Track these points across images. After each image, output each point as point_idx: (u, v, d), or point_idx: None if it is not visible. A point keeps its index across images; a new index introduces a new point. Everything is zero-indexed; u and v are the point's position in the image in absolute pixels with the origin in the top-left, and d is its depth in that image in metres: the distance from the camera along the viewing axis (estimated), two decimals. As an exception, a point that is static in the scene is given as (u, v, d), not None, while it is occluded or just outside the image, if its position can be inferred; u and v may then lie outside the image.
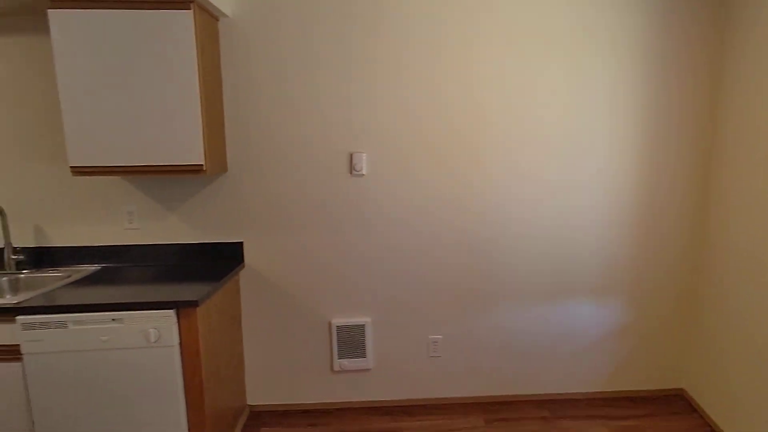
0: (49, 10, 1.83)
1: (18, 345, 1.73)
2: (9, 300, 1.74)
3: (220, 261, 2.33)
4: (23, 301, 1.74)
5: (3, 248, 2.20)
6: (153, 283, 1.97)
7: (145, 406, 1.80)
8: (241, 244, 2.33)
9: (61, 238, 2.27)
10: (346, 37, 2.20)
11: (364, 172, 2.29)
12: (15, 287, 2.12)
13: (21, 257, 2.19)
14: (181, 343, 1.80)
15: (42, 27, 2.13)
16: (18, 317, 1.71)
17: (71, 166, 1.93)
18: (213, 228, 2.31)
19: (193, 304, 1.76)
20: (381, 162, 2.30)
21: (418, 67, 2.23)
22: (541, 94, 2.28)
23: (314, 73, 2.22)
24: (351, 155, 2.28)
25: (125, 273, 2.15)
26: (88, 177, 2.24)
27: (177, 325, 1.78)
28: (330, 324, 2.42)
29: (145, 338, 1.75)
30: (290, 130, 2.26)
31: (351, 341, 2.42)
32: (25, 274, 2.14)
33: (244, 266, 2.34)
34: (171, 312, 1.75)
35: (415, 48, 2.22)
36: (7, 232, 2.16)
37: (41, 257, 2.27)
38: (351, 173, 2.30)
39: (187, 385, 1.82)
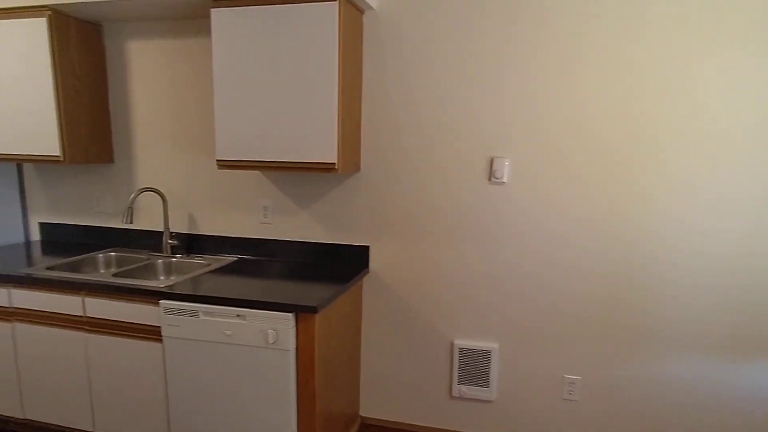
0: (212, 9, 1.92)
1: (159, 327, 1.87)
2: (155, 284, 1.89)
3: (345, 263, 2.28)
4: (166, 286, 1.87)
5: (163, 232, 2.45)
6: (281, 280, 1.98)
7: (259, 404, 1.80)
8: (367, 248, 2.24)
9: (208, 226, 2.44)
10: (501, 32, 1.94)
11: (504, 179, 2.01)
12: (168, 270, 2.33)
13: (175, 242, 2.40)
14: (297, 348, 1.76)
15: (199, 30, 2.29)
16: (161, 301, 1.84)
17: (218, 160, 2.02)
18: (341, 229, 2.26)
19: (312, 310, 1.70)
20: (525, 170, 2.00)
21: (586, 67, 1.87)
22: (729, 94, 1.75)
23: (462, 69, 2.01)
24: (491, 160, 2.02)
25: (257, 267, 2.22)
26: (233, 171, 2.37)
27: (295, 329, 1.74)
28: (452, 345, 2.21)
29: (264, 338, 1.75)
30: (427, 131, 2.09)
31: (474, 367, 2.17)
32: (176, 258, 2.34)
33: (368, 272, 2.26)
34: (290, 315, 1.72)
35: (579, 45, 1.87)
36: (167, 218, 2.39)
37: (192, 243, 2.48)
38: (490, 180, 2.04)
39: (300, 390, 1.78)
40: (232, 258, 2.35)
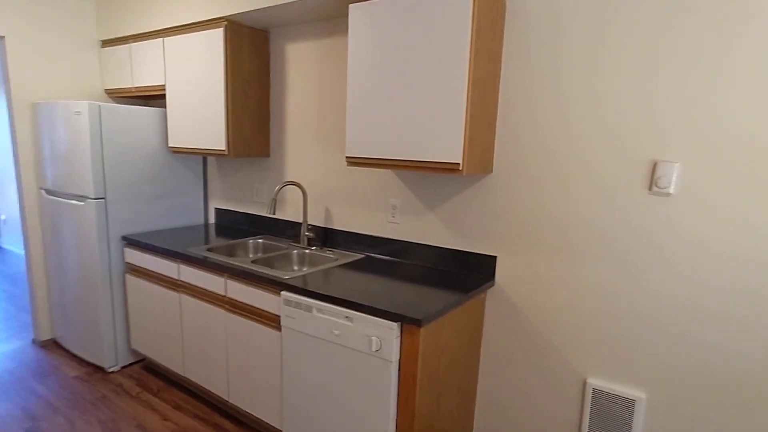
0: (350, 5, 1.92)
1: (280, 316, 1.96)
2: (279, 274, 1.98)
3: (469, 273, 2.08)
4: (287, 278, 1.94)
5: (302, 224, 2.59)
6: (399, 282, 1.90)
7: (360, 408, 1.75)
8: (494, 258, 2.00)
9: (341, 221, 2.50)
10: (664, 17, 1.50)
11: (671, 190, 1.55)
12: (301, 261, 2.46)
13: (312, 235, 2.51)
14: (400, 360, 1.65)
15: (345, 29, 2.32)
16: (282, 292, 1.92)
17: (347, 156, 2.02)
18: (468, 235, 2.06)
19: (416, 322, 1.57)
20: (701, 179, 1.51)
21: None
22: None
23: (631, 54, 1.62)
24: (654, 165, 1.58)
25: (380, 267, 2.17)
26: (365, 168, 2.36)
27: (399, 339, 1.64)
28: (585, 383, 1.82)
29: (368, 344, 1.68)
30: (574, 129, 1.75)
31: (611, 416, 1.76)
32: (310, 250, 2.45)
33: (493, 284, 2.02)
34: (394, 325, 1.62)
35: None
36: (306, 211, 2.51)
37: (327, 237, 2.57)
38: (650, 190, 1.60)
39: (400, 404, 1.67)
40: (358, 255, 2.36)
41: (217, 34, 2.46)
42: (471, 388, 2.08)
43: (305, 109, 2.57)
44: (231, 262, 2.15)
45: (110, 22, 3.06)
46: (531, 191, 1.87)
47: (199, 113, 2.61)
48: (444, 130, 1.73)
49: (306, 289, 1.83)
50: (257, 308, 2.05)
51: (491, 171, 1.96)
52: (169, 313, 2.49)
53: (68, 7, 3.04)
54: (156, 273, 2.51)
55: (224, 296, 2.18)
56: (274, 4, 2.18)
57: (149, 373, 2.76)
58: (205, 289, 2.26)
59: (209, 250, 2.41)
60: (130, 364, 2.84)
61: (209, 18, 2.47)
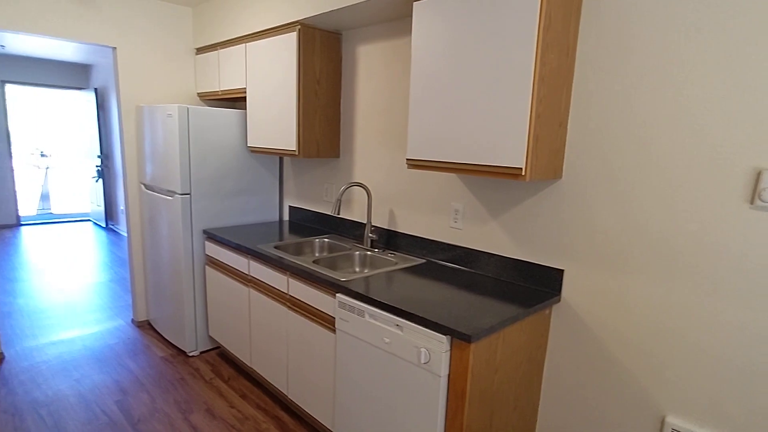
0: (414, 3, 1.87)
1: (335, 318, 1.97)
2: (336, 276, 1.98)
3: (533, 285, 1.93)
4: (343, 281, 1.94)
5: (366, 224, 2.59)
6: (457, 291, 1.81)
7: (408, 421, 1.70)
8: (561, 272, 1.83)
9: (404, 224, 2.45)
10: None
11: (781, 205, 1.30)
12: (363, 262, 2.45)
13: (375, 237, 2.50)
14: (449, 375, 1.57)
15: (406, 30, 2.26)
16: (337, 295, 1.93)
17: (407, 159, 1.97)
18: (533, 245, 1.91)
19: (466, 338, 1.48)
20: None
21: None
22: None
23: (726, 42, 1.39)
24: (759, 174, 1.33)
25: (439, 273, 2.10)
26: (428, 171, 2.29)
27: (449, 354, 1.56)
28: (663, 422, 1.59)
29: (417, 356, 1.62)
30: (658, 131, 1.54)
31: (703, 466, 1.52)
32: (372, 252, 2.44)
33: (559, 300, 1.85)
34: (444, 338, 1.54)
35: None
36: (370, 212, 2.50)
37: (390, 239, 2.54)
38: (752, 203, 1.35)
39: (447, 421, 1.59)
40: (419, 260, 2.30)
41: (291, 38, 2.53)
42: (531, 409, 1.93)
43: (373, 111, 2.56)
44: (293, 260, 2.21)
45: (204, 31, 3.29)
46: (607, 200, 1.68)
47: (274, 115, 2.72)
48: (506, 131, 1.61)
49: (359, 293, 1.82)
50: (315, 308, 2.08)
51: (560, 177, 1.79)
52: (239, 305, 2.63)
53: (169, 20, 3.33)
54: (229, 266, 2.66)
55: (286, 294, 2.25)
56: (340, 6, 2.19)
57: (223, 360, 2.95)
58: (270, 286, 2.35)
59: (277, 247, 2.50)
60: (208, 350, 3.06)
61: (285, 23, 2.55)
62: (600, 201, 1.70)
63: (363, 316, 1.81)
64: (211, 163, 2.93)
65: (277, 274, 2.29)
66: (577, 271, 1.79)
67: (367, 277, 2.01)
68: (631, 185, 1.62)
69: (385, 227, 2.55)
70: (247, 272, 2.52)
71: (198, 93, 3.51)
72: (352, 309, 1.85)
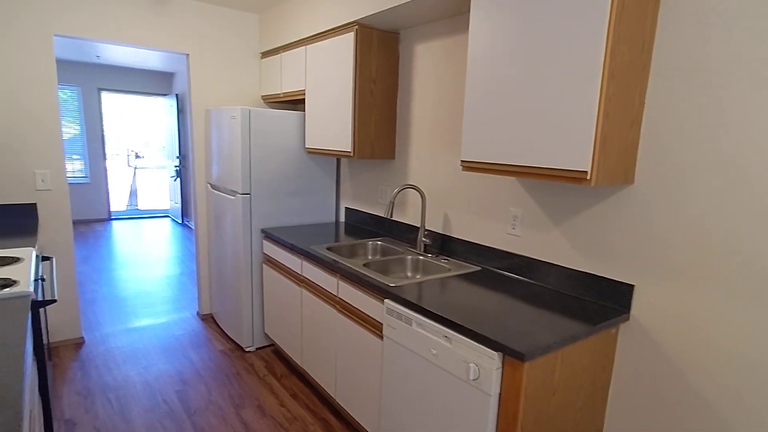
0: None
1: (382, 324, 1.91)
2: (386, 281, 1.92)
3: (598, 300, 1.75)
4: (392, 286, 1.88)
5: (419, 228, 2.50)
6: (513, 302, 1.69)
7: (456, 441, 1.60)
8: (630, 288, 1.64)
9: (459, 229, 2.34)
10: None
11: None
12: (415, 267, 2.37)
13: (428, 241, 2.41)
14: (500, 395, 1.46)
15: (463, 26, 2.15)
16: (385, 300, 1.87)
17: (462, 160, 1.87)
18: (600, 256, 1.74)
19: (519, 356, 1.36)
20: None
21: None
22: None
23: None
24: None
25: (495, 283, 1.97)
26: (485, 174, 2.17)
27: (500, 372, 1.44)
28: (759, 473, 1.37)
29: (465, 371, 1.52)
30: (746, 131, 1.32)
31: None
32: (425, 257, 2.35)
33: (628, 318, 1.66)
34: (495, 354, 1.43)
35: None
36: (423, 216, 2.42)
37: (444, 244, 2.44)
38: None
39: (498, 446, 1.48)
40: (474, 267, 2.18)
41: (348, 38, 2.51)
42: (595, 437, 1.76)
43: (429, 111, 2.48)
44: (344, 262, 2.18)
45: (268, 36, 3.38)
46: (686, 210, 1.48)
47: (331, 115, 2.72)
48: (570, 131, 1.47)
49: (407, 300, 1.74)
50: (363, 312, 2.04)
51: (632, 182, 1.61)
52: (292, 305, 2.65)
53: (238, 27, 3.45)
54: (284, 266, 2.70)
55: (336, 296, 2.23)
56: (396, 4, 2.13)
57: (277, 357, 3.00)
58: (321, 287, 2.34)
59: (329, 248, 2.50)
60: (264, 347, 3.13)
61: (343, 23, 2.54)
62: (678, 210, 1.50)
63: (410, 325, 1.73)
64: (271, 164, 2.99)
65: (328, 275, 2.27)
66: (649, 287, 1.59)
67: (418, 283, 1.93)
68: (714, 195, 1.41)
69: (439, 232, 2.46)
70: (300, 272, 2.53)
71: (262, 96, 3.61)
72: (399, 316, 1.79)
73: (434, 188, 2.48)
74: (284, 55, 3.19)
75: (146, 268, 4.97)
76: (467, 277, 2.05)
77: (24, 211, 2.85)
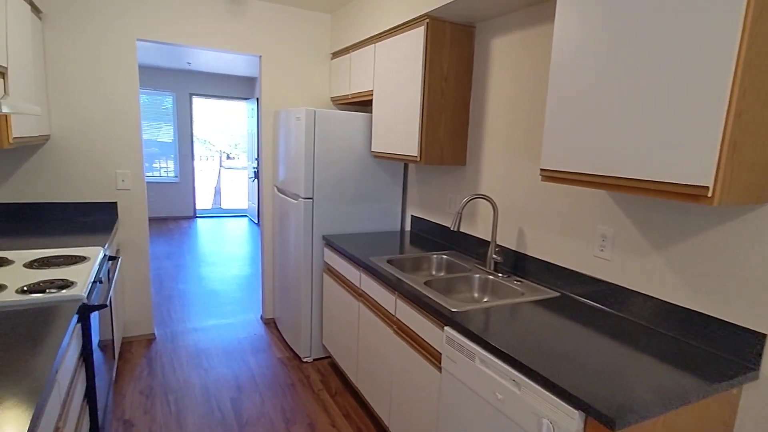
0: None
1: (441, 354, 1.68)
2: (447, 305, 1.68)
3: (707, 348, 1.39)
4: (455, 311, 1.64)
5: (490, 243, 2.24)
6: (599, 340, 1.39)
7: (523, 508, 1.33)
8: (761, 337, 1.27)
9: (535, 247, 2.05)
10: None
11: None
12: (483, 287, 2.11)
13: (499, 258, 2.14)
14: (580, 463, 1.17)
15: (548, 15, 1.85)
16: (445, 328, 1.64)
17: (541, 169, 1.60)
18: (715, 292, 1.38)
19: (609, 422, 1.07)
20: None
21: None
22: None
23: None
24: None
25: (577, 314, 1.66)
26: (569, 186, 1.86)
27: (581, 433, 1.16)
28: None
29: (537, 426, 1.25)
30: None
31: None
32: (494, 277, 2.08)
33: (756, 378, 1.29)
34: (576, 413, 1.15)
35: None
36: (495, 230, 2.15)
37: (517, 263, 2.15)
38: None
39: None
40: (552, 293, 1.87)
41: (418, 33, 2.31)
42: None
43: (504, 113, 2.21)
44: (403, 279, 1.98)
45: (339, 35, 3.28)
46: None
47: (397, 117, 2.53)
48: (685, 134, 1.15)
49: (469, 331, 1.50)
50: (421, 338, 1.82)
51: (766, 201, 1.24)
52: (349, 319, 2.50)
53: (310, 27, 3.39)
54: (343, 276, 2.56)
55: (393, 315, 2.03)
56: (470, -10, 1.89)
57: (333, 371, 2.87)
58: (379, 303, 2.16)
59: (390, 261, 2.31)
60: (321, 358, 3.01)
61: (413, 17, 2.34)
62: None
63: (473, 360, 1.49)
64: (336, 168, 2.87)
65: (386, 292, 2.09)
66: (792, 340, 1.22)
67: (485, 309, 1.68)
68: None
69: (513, 248, 2.18)
70: (358, 285, 2.37)
71: (331, 97, 3.53)
72: (461, 348, 1.55)
73: (508, 199, 2.20)
74: (353, 54, 3.06)
75: (221, 266, 5.13)
76: (543, 303, 1.76)
77: (105, 209, 2.99)
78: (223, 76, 7.88)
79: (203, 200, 8.55)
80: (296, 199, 2.88)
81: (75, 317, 1.45)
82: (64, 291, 1.58)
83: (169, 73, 7.53)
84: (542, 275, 2.00)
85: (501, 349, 1.36)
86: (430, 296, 1.78)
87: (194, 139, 7.89)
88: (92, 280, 1.76)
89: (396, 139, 2.56)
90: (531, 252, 2.07)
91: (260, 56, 3.31)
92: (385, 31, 2.64)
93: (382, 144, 2.72)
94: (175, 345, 3.13)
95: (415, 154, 2.38)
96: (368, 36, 2.82)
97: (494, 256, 2.14)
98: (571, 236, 1.86)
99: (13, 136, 2.02)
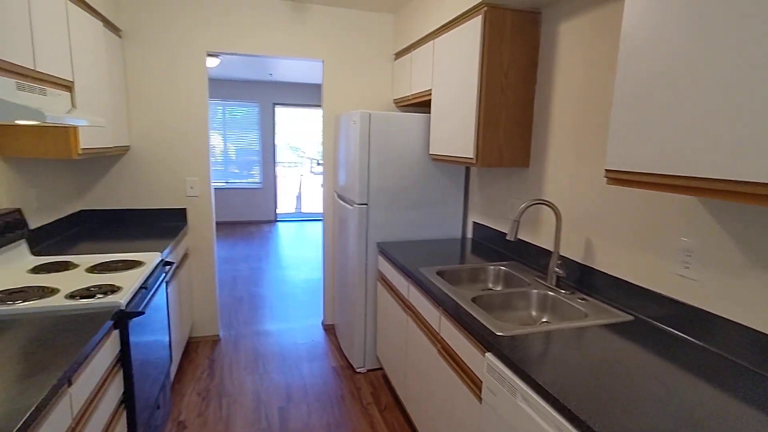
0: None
1: (482, 383, 1.47)
2: (491, 326, 1.47)
3: None
4: (500, 334, 1.43)
5: (552, 254, 1.96)
6: (676, 375, 1.12)
7: None
8: None
9: (604, 261, 1.75)
10: None
11: None
12: (541, 305, 1.85)
13: (562, 272, 1.86)
14: None
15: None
16: (486, 354, 1.43)
17: (607, 170, 1.34)
18: None
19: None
20: None
21: None
22: None
23: None
24: None
25: (652, 342, 1.37)
26: (641, 190, 1.55)
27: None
28: None
29: (584, 487, 1.02)
30: None
31: None
32: (556, 293, 1.81)
33: None
34: (631, 476, 0.91)
35: None
36: (558, 240, 1.88)
37: (583, 277, 1.86)
38: None
39: None
40: (623, 316, 1.57)
41: (475, 24, 2.12)
42: None
43: (572, 109, 1.94)
44: (448, 293, 1.79)
45: (401, 35, 3.17)
46: None
47: (454, 117, 2.35)
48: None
49: (511, 361, 1.29)
50: (463, 362, 1.62)
51: None
52: (399, 332, 2.36)
53: (372, 29, 3.32)
54: (394, 287, 2.42)
55: (438, 333, 1.85)
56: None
57: (386, 384, 2.74)
58: (425, 319, 1.99)
59: (440, 273, 2.13)
60: (375, 369, 2.90)
61: (470, 7, 2.16)
62: None
63: (514, 395, 1.28)
64: (392, 173, 2.75)
65: (431, 306, 1.91)
66: None
67: (537, 333, 1.45)
68: None
69: (579, 261, 1.89)
70: (407, 296, 2.22)
71: (393, 99, 3.42)
72: (501, 379, 1.34)
73: (575, 205, 1.92)
74: (414, 53, 2.92)
75: (292, 269, 5.24)
76: (611, 329, 1.48)
77: (175, 215, 3.14)
78: (303, 84, 8.14)
79: (286, 205, 8.90)
80: (351, 205, 2.80)
81: (108, 324, 1.47)
82: (109, 297, 1.63)
83: (253, 85, 7.94)
84: (612, 293, 1.70)
85: (545, 387, 1.14)
86: (473, 315, 1.58)
87: (278, 146, 8.25)
88: (137, 287, 1.80)
89: (452, 140, 2.38)
90: (599, 266, 1.78)
91: (323, 61, 3.29)
92: (443, 26, 2.48)
93: (439, 146, 2.54)
94: (237, 347, 3.20)
95: (471, 156, 2.18)
96: (428, 32, 2.67)
97: (556, 269, 1.87)
98: (649, 249, 1.56)
99: (82, 147, 2.16)
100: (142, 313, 1.66)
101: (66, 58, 2.02)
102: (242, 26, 3.07)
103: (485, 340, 1.43)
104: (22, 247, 2.10)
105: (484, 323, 1.51)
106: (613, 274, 1.70)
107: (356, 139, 2.67)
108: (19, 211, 2.09)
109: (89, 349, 1.30)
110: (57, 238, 2.55)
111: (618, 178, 1.30)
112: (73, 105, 2.12)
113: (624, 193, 1.66)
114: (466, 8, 2.18)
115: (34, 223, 2.34)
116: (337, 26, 3.26)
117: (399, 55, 3.26)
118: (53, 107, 1.87)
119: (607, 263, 1.73)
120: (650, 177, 1.19)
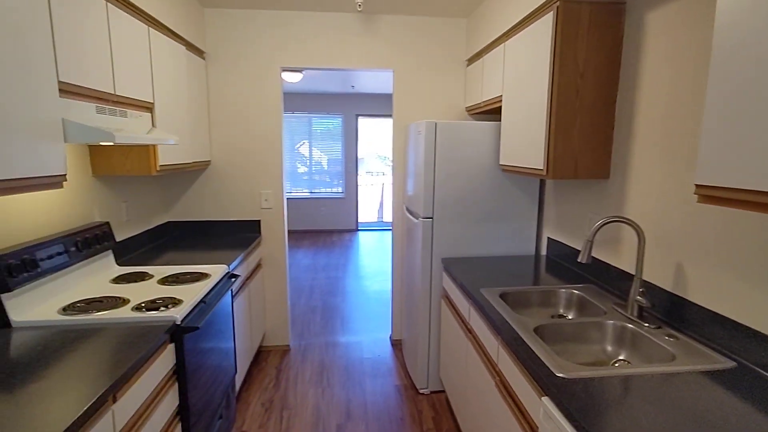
0: None
1: (537, 429, 1.28)
2: (551, 364, 1.28)
3: None
4: (561, 376, 1.24)
5: (634, 280, 1.68)
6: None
7: None
8: None
9: (701, 291, 1.46)
10: None
11: None
12: (618, 339, 1.59)
13: (645, 302, 1.59)
14: None
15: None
16: (542, 398, 1.24)
17: (696, 185, 1.11)
18: None
19: None
20: None
21: None
22: None
23: None
24: None
25: (757, 398, 1.09)
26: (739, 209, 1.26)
27: None
28: None
29: None
30: None
31: None
32: (637, 326, 1.55)
33: None
34: None
35: None
36: (640, 263, 1.61)
37: (672, 309, 1.57)
38: None
39: None
40: (723, 360, 1.28)
41: (546, 22, 1.93)
42: None
43: (659, 113, 1.67)
44: (508, 320, 1.62)
45: (473, 39, 3.03)
46: None
47: (524, 124, 2.17)
48: None
49: (570, 412, 1.10)
50: (521, 401, 1.44)
51: None
52: (459, 355, 2.20)
53: (444, 35, 3.22)
54: (457, 306, 2.27)
55: (496, 365, 1.67)
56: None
57: (448, 408, 2.57)
58: (484, 346, 1.82)
59: (503, 295, 1.94)
60: (438, 392, 2.74)
61: (542, 2, 1.97)
62: None
63: (571, 450, 1.08)
64: (459, 185, 2.60)
65: (490, 334, 1.74)
66: None
67: (608, 377, 1.23)
68: None
69: (667, 289, 1.61)
70: (467, 319, 2.06)
71: (465, 107, 3.27)
72: (557, 431, 1.15)
73: (663, 224, 1.64)
74: (486, 58, 2.77)
75: (368, 280, 5.25)
76: (708, 377, 1.21)
77: (251, 227, 3.27)
78: (384, 95, 8.22)
79: (368, 214, 9.02)
80: (417, 218, 2.70)
81: (162, 338, 1.52)
82: (169, 310, 1.69)
83: (337, 98, 8.18)
84: (709, 332, 1.41)
85: (606, 448, 0.95)
86: (532, 348, 1.39)
87: (365, 155, 8.40)
88: (197, 301, 1.86)
89: (522, 149, 2.19)
90: (694, 297, 1.49)
91: (393, 70, 3.25)
92: (514, 26, 2.30)
93: (510, 156, 2.36)
94: (305, 358, 3.23)
95: (541, 167, 1.98)
96: (499, 34, 2.50)
97: (638, 297, 1.61)
98: (756, 280, 1.26)
99: (160, 164, 2.31)
100: (196, 328, 1.70)
101: (147, 81, 2.18)
102: (314, 41, 3.13)
103: (542, 381, 1.25)
104: (109, 258, 2.29)
105: (543, 360, 1.32)
106: (712, 309, 1.41)
107: (422, 150, 2.57)
108: (107, 224, 2.28)
109: (138, 365, 1.34)
110: (144, 248, 2.76)
111: (711, 195, 1.06)
112: (153, 125, 2.27)
113: (725, 212, 1.38)
114: (537, 5, 2.00)
115: (123, 235, 2.55)
116: (407, 34, 3.19)
117: (471, 60, 3.11)
118: (133, 128, 2.02)
119: (704, 294, 1.45)
120: (755, 195, 0.95)
